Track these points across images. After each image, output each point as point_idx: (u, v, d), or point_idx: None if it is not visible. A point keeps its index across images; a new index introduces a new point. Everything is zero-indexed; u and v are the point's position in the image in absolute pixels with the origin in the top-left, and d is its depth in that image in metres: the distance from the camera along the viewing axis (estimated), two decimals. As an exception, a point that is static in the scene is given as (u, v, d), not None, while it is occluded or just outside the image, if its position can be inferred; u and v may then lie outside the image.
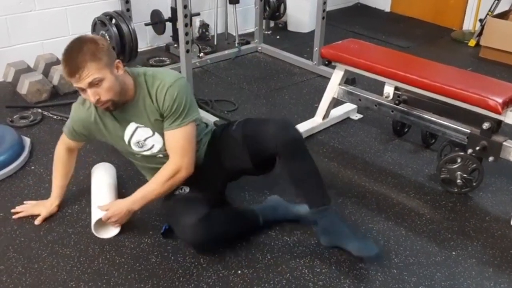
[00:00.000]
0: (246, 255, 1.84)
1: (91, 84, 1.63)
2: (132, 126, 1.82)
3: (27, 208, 2.03)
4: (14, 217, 2.00)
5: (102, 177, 2.11)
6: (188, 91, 1.80)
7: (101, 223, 1.87)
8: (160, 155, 1.87)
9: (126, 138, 1.85)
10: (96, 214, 1.88)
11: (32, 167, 2.35)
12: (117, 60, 1.70)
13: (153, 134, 1.83)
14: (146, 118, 1.79)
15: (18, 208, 2.04)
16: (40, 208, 2.00)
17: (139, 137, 1.83)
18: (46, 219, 1.99)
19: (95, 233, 1.89)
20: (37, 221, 1.97)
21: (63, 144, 2.00)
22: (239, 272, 1.77)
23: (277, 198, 2.04)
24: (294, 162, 1.79)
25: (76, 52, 1.61)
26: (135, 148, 1.87)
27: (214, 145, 1.94)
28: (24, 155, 2.38)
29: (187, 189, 1.86)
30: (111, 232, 1.91)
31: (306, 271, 1.78)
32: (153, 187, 1.82)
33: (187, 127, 1.77)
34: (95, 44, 1.64)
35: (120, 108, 1.76)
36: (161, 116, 1.77)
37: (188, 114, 1.76)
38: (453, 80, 2.20)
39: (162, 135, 1.82)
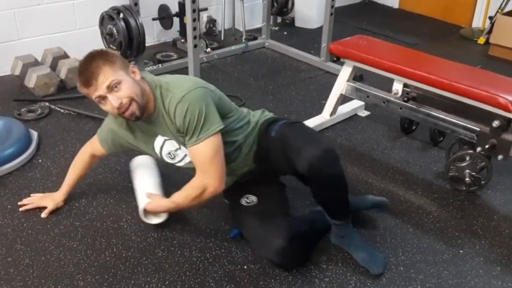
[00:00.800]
0: (252, 251, 1.83)
1: (110, 88, 1.57)
2: (160, 139, 1.77)
3: (34, 200, 2.03)
4: (21, 209, 2.01)
5: (149, 170, 2.07)
6: (203, 102, 1.62)
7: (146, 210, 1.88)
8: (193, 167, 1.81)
9: (157, 150, 1.81)
10: (143, 201, 1.87)
11: (40, 160, 2.36)
12: (132, 65, 1.67)
13: (180, 147, 1.77)
14: (169, 131, 1.72)
15: (25, 201, 2.04)
16: (47, 201, 2.01)
17: (169, 148, 1.79)
18: (53, 212, 1.99)
19: (143, 218, 1.88)
20: (43, 214, 1.97)
21: (90, 147, 1.98)
22: (245, 267, 1.77)
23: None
24: (323, 192, 1.70)
25: (89, 62, 1.59)
26: (167, 159, 1.83)
27: (259, 147, 1.81)
28: (31, 148, 2.39)
29: (254, 199, 1.80)
30: (157, 219, 1.90)
31: (312, 267, 1.78)
32: (181, 202, 1.78)
33: (206, 142, 1.64)
34: (105, 52, 1.63)
35: (144, 119, 1.70)
36: (178, 131, 1.69)
37: (204, 129, 1.63)
38: (462, 78, 2.19)
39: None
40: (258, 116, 1.89)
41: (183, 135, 1.68)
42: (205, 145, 1.65)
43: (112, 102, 1.58)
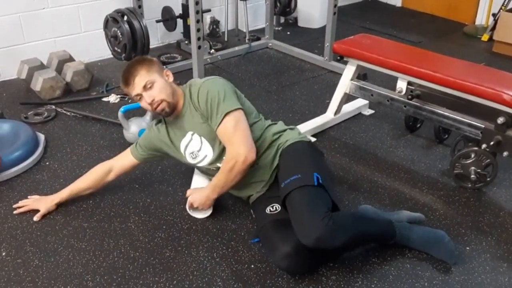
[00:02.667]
0: (259, 249, 1.84)
1: (145, 87, 1.82)
2: (188, 135, 1.92)
3: (28, 202, 2.05)
4: (14, 212, 2.02)
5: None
6: (222, 87, 1.84)
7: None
8: (213, 168, 1.94)
9: (182, 149, 1.95)
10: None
11: (47, 163, 2.38)
12: (166, 69, 1.93)
13: (202, 143, 1.90)
14: (193, 124, 1.89)
15: (20, 203, 2.06)
16: (40, 204, 2.02)
17: (193, 147, 1.93)
18: (62, 214, 2.01)
19: (190, 213, 2.00)
20: (35, 217, 1.98)
21: (111, 162, 2.05)
22: (252, 266, 1.78)
23: (369, 208, 1.98)
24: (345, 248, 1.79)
25: (130, 66, 1.87)
26: (189, 159, 1.97)
27: (278, 173, 1.89)
28: (38, 151, 2.41)
29: (278, 207, 1.83)
30: (204, 213, 1.99)
31: (319, 265, 1.78)
32: (220, 177, 1.88)
33: (229, 117, 1.79)
34: (144, 58, 1.92)
35: (176, 115, 1.91)
36: (202, 118, 1.86)
37: (225, 105, 1.80)
38: (467, 75, 2.19)
39: (210, 143, 1.89)
40: (275, 129, 1.95)
41: (208, 121, 1.84)
42: (227, 119, 1.80)
43: (146, 98, 1.84)
